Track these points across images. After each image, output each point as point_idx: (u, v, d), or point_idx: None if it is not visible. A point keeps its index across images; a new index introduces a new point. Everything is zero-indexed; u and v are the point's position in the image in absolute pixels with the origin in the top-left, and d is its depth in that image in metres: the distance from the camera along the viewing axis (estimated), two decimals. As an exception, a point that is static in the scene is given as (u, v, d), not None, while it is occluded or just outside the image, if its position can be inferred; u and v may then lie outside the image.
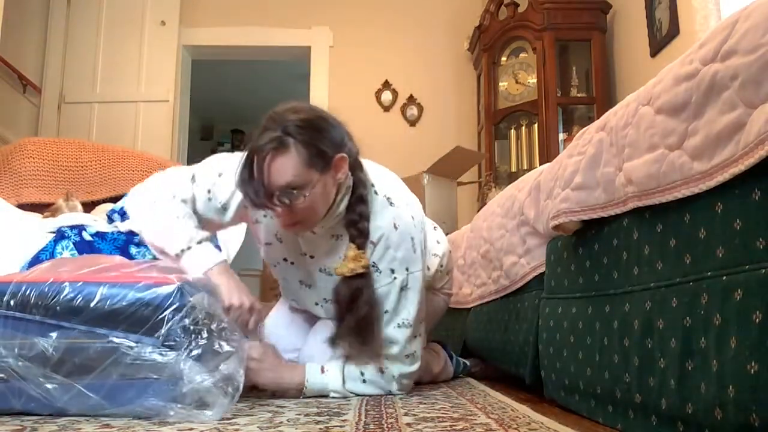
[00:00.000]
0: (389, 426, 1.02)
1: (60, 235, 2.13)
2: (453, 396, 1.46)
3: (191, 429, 1.01)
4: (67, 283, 1.16)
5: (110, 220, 2.32)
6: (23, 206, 2.58)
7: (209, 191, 1.46)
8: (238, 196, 1.43)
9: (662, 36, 3.21)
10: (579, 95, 4.10)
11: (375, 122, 4.68)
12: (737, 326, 0.75)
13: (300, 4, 4.82)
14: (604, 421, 1.12)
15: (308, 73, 4.81)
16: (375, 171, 1.53)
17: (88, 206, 2.69)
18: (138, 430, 1.00)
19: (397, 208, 1.47)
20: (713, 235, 0.83)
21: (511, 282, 1.76)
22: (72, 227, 2.17)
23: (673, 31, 3.09)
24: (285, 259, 1.57)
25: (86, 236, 2.16)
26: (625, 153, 1.05)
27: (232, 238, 2.46)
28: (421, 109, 4.76)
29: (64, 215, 2.36)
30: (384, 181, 1.52)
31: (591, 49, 3.99)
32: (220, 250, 2.35)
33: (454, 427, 1.00)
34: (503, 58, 4.31)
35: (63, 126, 4.52)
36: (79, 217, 2.33)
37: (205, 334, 1.16)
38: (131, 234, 2.22)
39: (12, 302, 1.15)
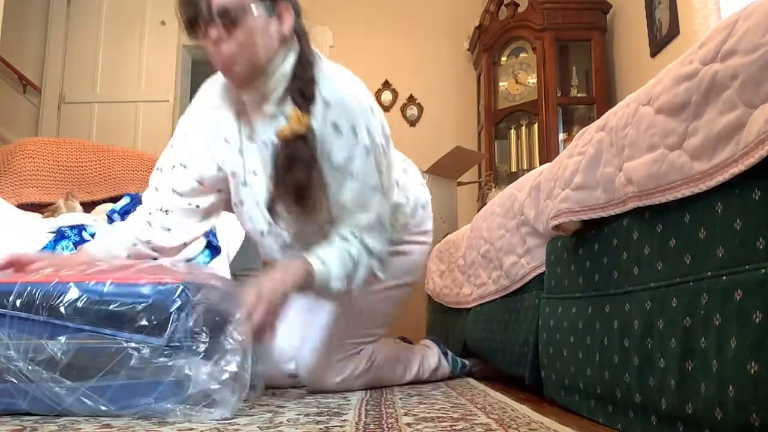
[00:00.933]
0: (389, 426, 1.02)
1: (60, 235, 2.13)
2: (453, 396, 1.46)
3: (191, 429, 1.01)
4: (71, 283, 1.16)
5: (110, 220, 2.32)
6: (23, 206, 2.58)
7: (173, 166, 1.55)
8: (197, 150, 1.53)
9: (662, 36, 3.21)
10: (579, 95, 4.10)
11: (375, 122, 4.68)
12: (737, 326, 0.75)
13: (300, 4, 4.82)
14: (604, 421, 1.12)
15: (308, 73, 4.80)
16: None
17: (88, 206, 2.69)
18: (138, 430, 1.00)
19: (350, 74, 1.48)
20: (713, 235, 0.83)
21: (511, 282, 1.76)
22: (72, 227, 2.17)
23: (673, 31, 3.09)
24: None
25: (86, 236, 2.16)
26: (625, 153, 1.05)
27: (232, 238, 2.46)
28: (421, 109, 4.76)
29: (65, 215, 2.36)
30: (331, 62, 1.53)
31: (591, 49, 3.99)
32: (219, 250, 2.36)
33: (454, 427, 1.00)
34: (503, 58, 4.32)
35: (63, 126, 4.52)
36: (79, 217, 2.33)
37: (210, 333, 1.16)
38: (131, 234, 2.22)
39: (17, 302, 1.14)
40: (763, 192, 0.74)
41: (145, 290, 1.15)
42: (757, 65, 0.74)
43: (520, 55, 4.25)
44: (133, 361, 1.11)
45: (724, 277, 0.79)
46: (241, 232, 2.39)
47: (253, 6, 1.34)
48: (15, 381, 1.11)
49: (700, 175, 0.84)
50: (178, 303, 1.14)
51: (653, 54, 3.33)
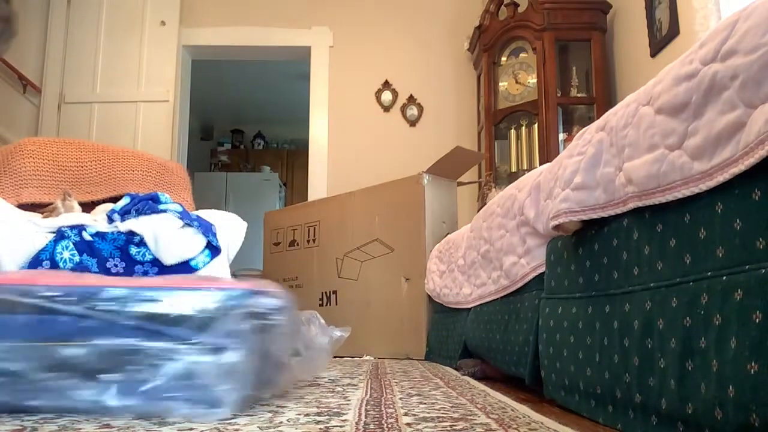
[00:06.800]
0: (389, 426, 1.02)
1: (60, 235, 2.13)
2: (453, 396, 1.46)
3: (191, 429, 1.01)
4: (92, 287, 1.18)
5: (110, 220, 2.31)
6: (23, 206, 2.57)
7: None
8: None
9: (662, 36, 3.21)
10: (579, 95, 4.10)
11: (375, 122, 4.68)
12: (737, 326, 0.75)
13: (300, 4, 4.82)
14: (604, 421, 1.12)
15: (308, 73, 4.81)
16: None
17: (88, 206, 2.69)
18: (138, 430, 1.00)
19: None
20: (713, 235, 0.83)
21: (511, 282, 1.76)
22: (72, 227, 2.17)
23: (673, 31, 3.09)
24: None
25: (86, 236, 2.16)
26: (625, 153, 1.05)
27: (232, 238, 2.46)
28: (421, 109, 4.76)
29: (64, 215, 2.36)
30: None
31: (591, 49, 3.99)
32: (219, 250, 2.35)
33: (454, 427, 1.00)
34: (503, 58, 4.31)
35: (63, 126, 4.52)
36: (79, 217, 2.33)
37: (214, 334, 1.17)
38: (131, 234, 2.22)
39: (39, 303, 1.16)
40: (763, 192, 0.74)
41: (159, 294, 1.18)
42: (757, 65, 0.74)
43: (520, 55, 4.25)
44: (144, 361, 1.12)
45: (724, 277, 0.79)
46: (241, 232, 2.39)
47: None
48: (30, 380, 1.12)
49: (700, 175, 0.84)
50: (191, 306, 1.16)
51: (653, 54, 3.33)
